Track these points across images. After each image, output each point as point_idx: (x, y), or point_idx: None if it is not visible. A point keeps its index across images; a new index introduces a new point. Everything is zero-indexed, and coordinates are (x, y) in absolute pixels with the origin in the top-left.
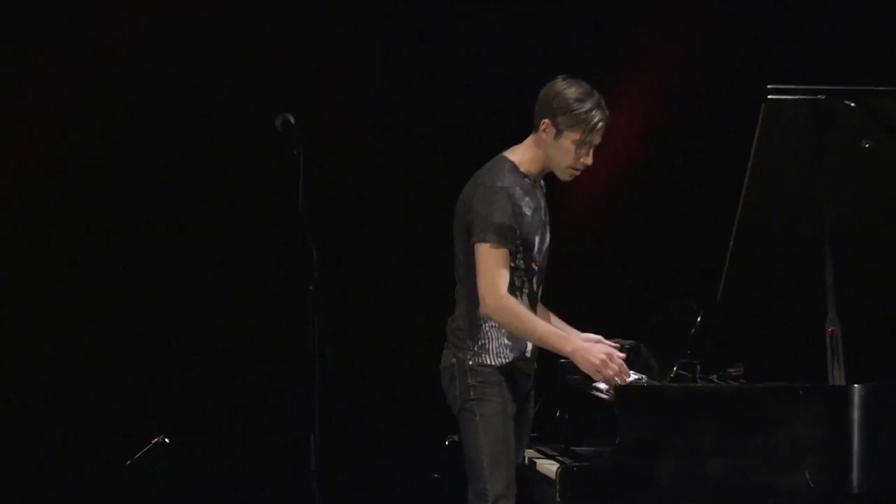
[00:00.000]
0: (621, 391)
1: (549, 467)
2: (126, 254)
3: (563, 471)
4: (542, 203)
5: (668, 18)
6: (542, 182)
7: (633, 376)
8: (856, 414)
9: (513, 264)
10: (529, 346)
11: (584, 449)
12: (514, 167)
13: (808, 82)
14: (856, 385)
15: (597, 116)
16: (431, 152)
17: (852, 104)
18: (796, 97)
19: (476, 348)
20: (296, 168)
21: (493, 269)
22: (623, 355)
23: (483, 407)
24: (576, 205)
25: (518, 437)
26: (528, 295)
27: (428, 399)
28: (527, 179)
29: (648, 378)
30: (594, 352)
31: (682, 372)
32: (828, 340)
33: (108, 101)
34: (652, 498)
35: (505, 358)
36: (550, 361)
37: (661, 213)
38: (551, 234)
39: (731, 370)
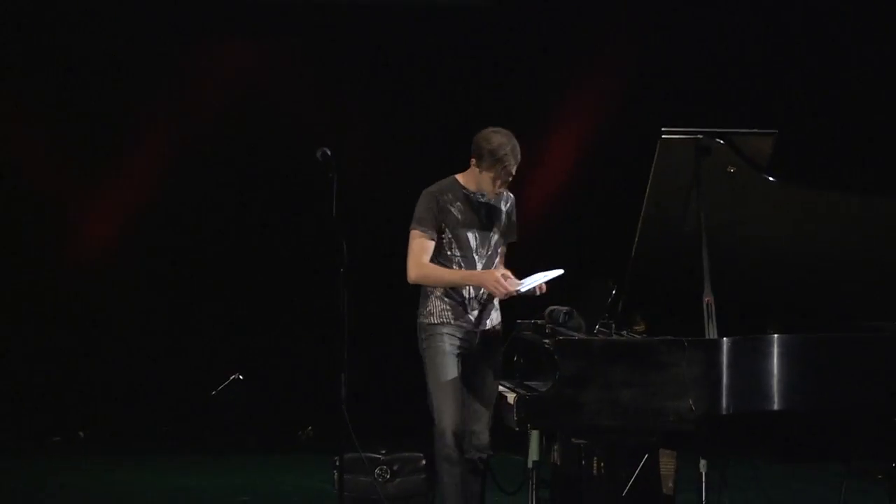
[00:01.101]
0: (559, 343)
1: (509, 397)
2: (224, 244)
3: (519, 399)
4: (483, 211)
5: (586, 78)
6: (497, 201)
7: (522, 288)
8: (724, 359)
9: (449, 253)
10: (472, 308)
11: (533, 383)
12: (454, 182)
13: (690, 125)
14: (724, 338)
15: (508, 162)
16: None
17: (721, 141)
18: (682, 136)
19: (426, 312)
20: (331, 186)
21: (413, 249)
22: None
23: (429, 353)
24: (529, 209)
25: (483, 381)
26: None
27: (416, 343)
28: (464, 191)
29: (579, 334)
30: (490, 277)
31: (601, 329)
32: (704, 307)
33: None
34: (580, 418)
35: (447, 319)
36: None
37: (589, 215)
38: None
39: (636, 328)
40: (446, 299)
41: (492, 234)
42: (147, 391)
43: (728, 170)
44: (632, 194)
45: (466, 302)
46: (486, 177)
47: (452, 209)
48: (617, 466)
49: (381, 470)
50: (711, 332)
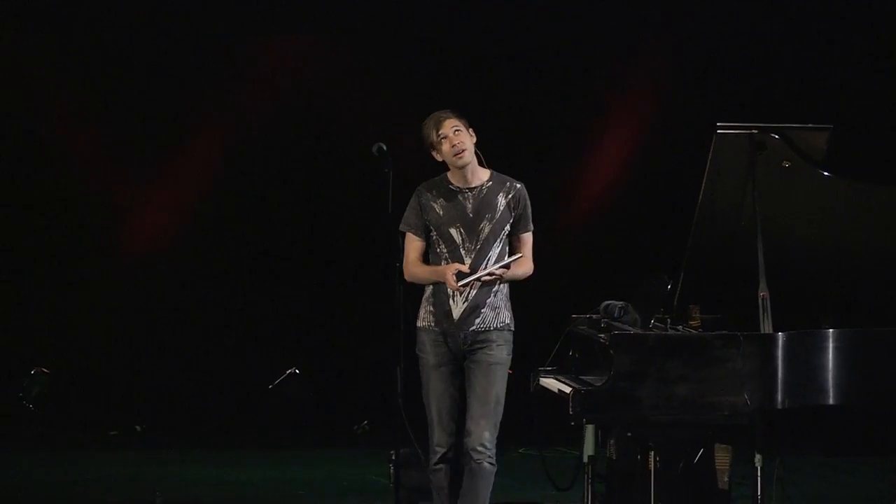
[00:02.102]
0: (615, 338)
1: (564, 390)
2: (281, 238)
3: (574, 393)
4: (470, 205)
5: (643, 71)
6: (486, 192)
7: (461, 281)
8: (779, 353)
9: (438, 249)
10: (455, 310)
11: (589, 378)
12: (442, 178)
13: (745, 120)
14: (779, 333)
15: (433, 128)
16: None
17: (776, 136)
18: (737, 132)
19: (419, 314)
20: (387, 181)
21: (404, 250)
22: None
23: (420, 364)
24: (585, 204)
25: (476, 381)
26: (457, 275)
27: None
28: (450, 187)
29: (634, 329)
30: (447, 270)
31: (657, 324)
32: (759, 301)
33: (265, 132)
34: (635, 412)
35: (429, 322)
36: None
37: (644, 210)
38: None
39: (692, 322)
40: (432, 300)
41: (481, 227)
42: (204, 385)
43: (783, 164)
44: (687, 189)
45: (451, 302)
46: (445, 155)
47: (435, 206)
48: (672, 461)
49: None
50: (767, 327)
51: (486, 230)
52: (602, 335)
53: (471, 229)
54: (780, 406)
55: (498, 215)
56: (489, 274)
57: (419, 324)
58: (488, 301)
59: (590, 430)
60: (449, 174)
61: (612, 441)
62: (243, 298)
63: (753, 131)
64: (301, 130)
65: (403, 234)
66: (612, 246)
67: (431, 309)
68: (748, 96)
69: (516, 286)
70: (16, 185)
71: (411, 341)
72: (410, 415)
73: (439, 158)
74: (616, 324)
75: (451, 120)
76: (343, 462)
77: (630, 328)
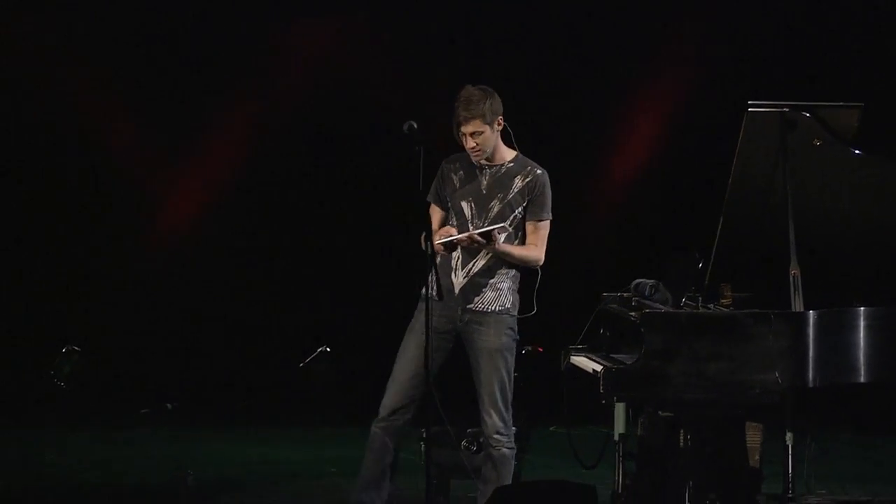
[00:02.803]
0: (646, 316)
1: (596, 368)
2: (311, 218)
3: (605, 371)
4: (486, 182)
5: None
6: (505, 172)
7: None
8: (810, 331)
9: (452, 221)
10: (455, 285)
11: (619, 356)
12: (458, 154)
13: (776, 98)
14: (810, 311)
15: (457, 113)
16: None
17: (807, 114)
18: (768, 110)
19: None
20: (417, 159)
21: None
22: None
23: (409, 325)
24: (617, 183)
25: (477, 364)
26: (467, 250)
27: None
28: (465, 161)
29: (665, 307)
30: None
31: (688, 302)
32: (791, 279)
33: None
34: (665, 390)
35: (431, 293)
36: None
37: (676, 188)
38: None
39: (723, 300)
40: (438, 273)
41: (491, 204)
42: (235, 363)
43: (814, 143)
44: (719, 167)
45: (452, 276)
46: (461, 139)
47: (454, 177)
48: (703, 439)
49: (467, 442)
50: (798, 305)
51: (496, 209)
52: (633, 313)
53: (481, 206)
54: (811, 384)
55: (510, 196)
56: (469, 238)
57: (423, 291)
58: (491, 281)
59: (620, 409)
60: None
61: (642, 419)
62: (275, 275)
63: (784, 110)
64: (332, 109)
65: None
66: (643, 224)
67: (436, 278)
68: (780, 74)
69: (544, 268)
70: (50, 166)
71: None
72: (442, 393)
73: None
74: (647, 302)
75: (475, 122)
76: None
77: (661, 307)
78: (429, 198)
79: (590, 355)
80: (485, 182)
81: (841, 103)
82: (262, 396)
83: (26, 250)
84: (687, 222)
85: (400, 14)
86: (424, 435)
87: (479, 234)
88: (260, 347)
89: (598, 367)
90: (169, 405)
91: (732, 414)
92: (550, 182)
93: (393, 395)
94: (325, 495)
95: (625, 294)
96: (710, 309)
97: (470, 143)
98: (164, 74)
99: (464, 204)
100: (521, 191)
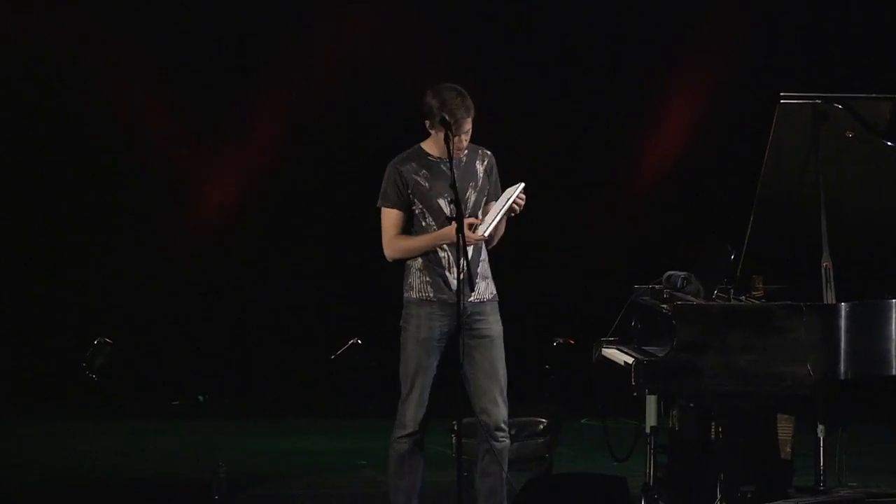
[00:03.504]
0: (678, 308)
1: (627, 361)
2: (343, 208)
3: (636, 363)
4: (449, 173)
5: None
6: (465, 161)
7: (489, 229)
8: (842, 323)
9: (424, 223)
10: (452, 283)
11: (651, 348)
12: (418, 150)
13: (808, 90)
14: (842, 303)
15: (459, 115)
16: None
17: (839, 106)
18: (800, 101)
19: (407, 286)
20: (450, 149)
21: (384, 226)
22: (477, 222)
23: (403, 337)
24: (648, 175)
25: (482, 355)
26: (450, 247)
27: (536, 308)
28: (429, 158)
29: (697, 299)
30: (448, 232)
31: (720, 294)
32: (822, 271)
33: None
34: (697, 382)
35: (427, 295)
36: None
37: (707, 180)
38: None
39: (755, 292)
40: (426, 272)
41: (467, 196)
42: (267, 355)
43: (846, 134)
44: (751, 159)
45: (447, 272)
46: (441, 136)
47: (419, 178)
48: (735, 431)
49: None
50: (829, 297)
51: (472, 199)
52: (665, 306)
53: (471, 196)
54: (843, 377)
55: (479, 183)
56: (510, 210)
57: (413, 296)
58: (479, 271)
59: (652, 401)
60: (425, 146)
61: (674, 412)
62: (307, 267)
63: (817, 101)
64: (365, 99)
65: (379, 211)
66: (675, 216)
67: (427, 279)
68: (812, 66)
69: (575, 260)
70: (84, 155)
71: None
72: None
73: (432, 131)
74: (679, 294)
75: (469, 122)
76: None
77: (693, 299)
78: (383, 204)
79: (621, 347)
80: (448, 173)
81: (873, 95)
82: (293, 388)
83: (60, 241)
84: (718, 214)
85: (435, 5)
86: (455, 427)
87: (512, 202)
88: (292, 339)
89: (630, 360)
90: (201, 397)
91: (764, 406)
92: (586, 176)
93: (418, 408)
94: (357, 487)
95: (656, 286)
96: (741, 301)
97: (464, 140)
98: (199, 63)
99: (441, 202)
100: (485, 175)
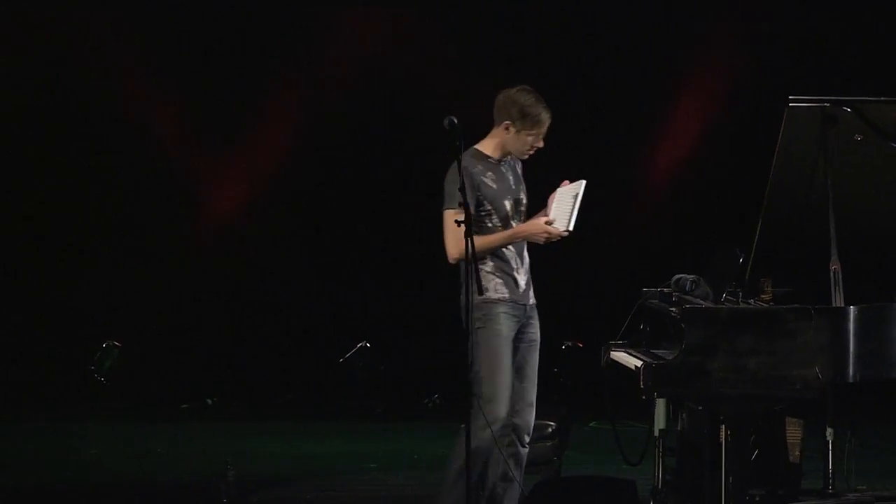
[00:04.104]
0: (686, 311)
1: (636, 364)
2: (351, 211)
3: (645, 366)
4: (510, 176)
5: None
6: (512, 162)
7: (571, 225)
8: (851, 326)
9: (490, 225)
10: (521, 281)
11: (659, 351)
12: (477, 152)
13: (817, 94)
14: (851, 306)
15: (545, 118)
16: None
17: (848, 109)
18: (808, 105)
19: (487, 289)
20: (458, 153)
21: (450, 227)
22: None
23: (485, 335)
24: (658, 179)
25: (530, 359)
26: (521, 245)
27: (545, 311)
28: (490, 161)
29: (706, 302)
30: (536, 227)
31: (729, 297)
32: (831, 274)
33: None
34: (706, 386)
35: (503, 296)
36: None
37: (716, 183)
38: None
39: (763, 296)
40: (498, 273)
41: (520, 197)
42: (275, 358)
43: (855, 138)
44: (760, 162)
45: (515, 273)
46: (523, 137)
47: (486, 180)
48: (743, 434)
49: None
50: (838, 300)
51: (524, 200)
52: (673, 309)
53: (517, 200)
54: (851, 380)
55: (523, 184)
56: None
57: (492, 296)
58: (530, 275)
59: (661, 404)
60: (482, 148)
61: (682, 415)
62: (315, 271)
63: (825, 104)
64: (373, 102)
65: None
66: (683, 220)
67: (500, 280)
68: (821, 70)
69: (585, 263)
70: (91, 158)
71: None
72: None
73: (506, 133)
74: (687, 297)
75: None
76: (414, 435)
77: (702, 302)
78: (452, 205)
79: (630, 351)
80: (511, 177)
81: (882, 98)
82: (302, 392)
83: (68, 243)
84: (727, 217)
85: (446, 6)
86: (464, 430)
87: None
88: (300, 342)
89: (639, 363)
90: (209, 400)
91: (773, 409)
92: (596, 179)
93: (506, 401)
94: (365, 490)
95: (665, 289)
96: (750, 304)
97: (539, 144)
98: (207, 67)
99: (506, 203)
100: (522, 176)
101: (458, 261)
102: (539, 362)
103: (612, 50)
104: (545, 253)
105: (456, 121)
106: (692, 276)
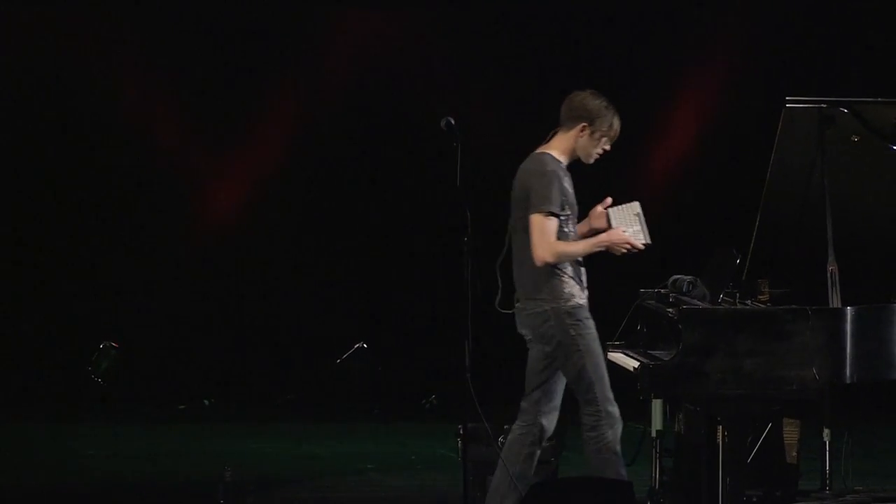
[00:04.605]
0: (684, 312)
1: (633, 365)
2: (349, 211)
3: (643, 367)
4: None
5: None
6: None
7: (647, 237)
8: (848, 327)
9: (566, 230)
10: (586, 290)
11: (657, 352)
12: (553, 158)
13: (815, 94)
14: (848, 307)
15: (616, 120)
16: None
17: (845, 110)
18: (806, 105)
19: (565, 295)
20: (455, 154)
21: (547, 230)
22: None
23: (585, 340)
24: (655, 180)
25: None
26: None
27: None
28: (563, 165)
29: (703, 303)
30: (616, 236)
31: (726, 298)
32: (828, 275)
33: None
34: (703, 386)
35: (583, 301)
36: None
37: (713, 184)
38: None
39: (760, 297)
40: (575, 279)
41: (573, 201)
42: (272, 359)
43: (852, 139)
44: (757, 163)
45: (582, 279)
46: (595, 140)
47: (567, 186)
48: (741, 435)
49: (504, 438)
50: (835, 301)
51: (576, 209)
52: (671, 310)
53: (576, 208)
54: (848, 380)
55: None
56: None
57: (578, 301)
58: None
59: (658, 405)
60: (554, 153)
61: (679, 416)
62: (313, 271)
63: (823, 105)
64: (371, 103)
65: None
66: (680, 220)
67: (578, 285)
68: (819, 70)
69: (587, 261)
70: (90, 158)
71: (479, 315)
72: (479, 389)
73: (580, 136)
74: (685, 298)
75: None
76: (411, 436)
77: (699, 303)
78: (552, 210)
79: (627, 352)
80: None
81: (879, 99)
82: (299, 393)
83: (66, 244)
84: (724, 218)
85: (445, 6)
86: (461, 431)
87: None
88: (298, 343)
89: (636, 364)
90: (206, 401)
91: (770, 410)
92: (592, 180)
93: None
94: (363, 491)
95: (662, 290)
96: (747, 305)
97: (607, 147)
98: (208, 67)
99: (575, 209)
100: None
101: (548, 265)
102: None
103: (611, 50)
104: None
105: (453, 121)
106: (689, 277)
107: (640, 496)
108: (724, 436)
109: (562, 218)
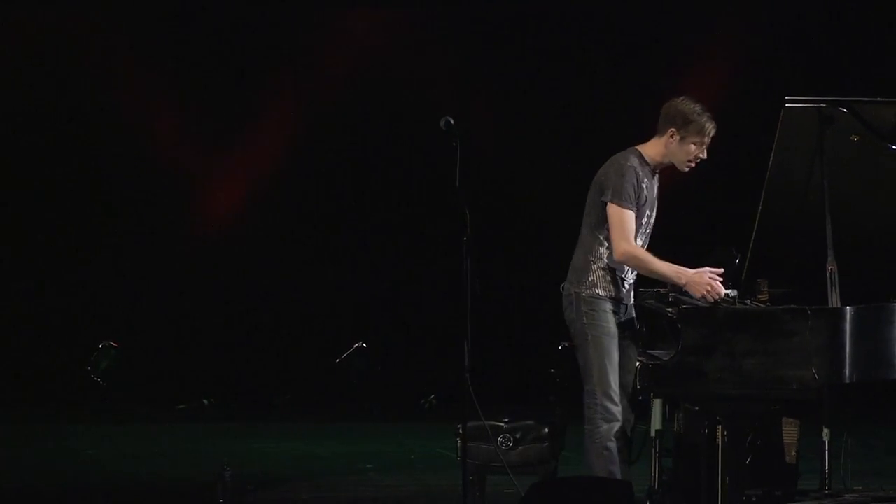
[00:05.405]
0: (683, 312)
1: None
2: (348, 212)
3: (642, 367)
4: (656, 188)
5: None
6: (658, 177)
7: (728, 292)
8: (847, 327)
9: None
10: (627, 283)
11: (656, 352)
12: (640, 155)
13: (814, 93)
14: (847, 307)
15: (710, 127)
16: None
17: (845, 110)
18: (805, 105)
19: (588, 283)
20: (454, 154)
21: (625, 225)
22: (719, 278)
23: (594, 331)
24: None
25: (630, 356)
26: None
27: (546, 315)
28: (647, 167)
29: (702, 303)
30: (702, 280)
31: (725, 298)
32: (828, 275)
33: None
34: (703, 386)
35: (611, 293)
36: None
37: (713, 184)
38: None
39: (760, 296)
40: (609, 271)
41: (654, 213)
42: (272, 359)
43: (851, 138)
44: (756, 163)
45: (624, 276)
46: (687, 146)
47: (645, 184)
48: (740, 435)
49: (504, 438)
50: (835, 301)
51: (653, 218)
52: (670, 309)
53: (650, 216)
54: (848, 380)
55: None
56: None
57: (598, 292)
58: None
59: (657, 405)
60: (648, 152)
61: (679, 415)
62: (311, 271)
63: (822, 105)
64: (370, 103)
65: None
66: (680, 220)
67: (610, 278)
68: (818, 70)
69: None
70: (88, 158)
71: (478, 314)
72: (478, 388)
73: (670, 141)
74: (684, 298)
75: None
76: (410, 436)
77: (698, 302)
78: (626, 203)
79: None
80: (656, 190)
81: (879, 99)
82: (298, 392)
83: (65, 244)
84: (724, 217)
85: (445, 7)
86: (461, 430)
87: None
88: (297, 343)
89: (636, 364)
90: (206, 401)
91: (769, 409)
92: (586, 177)
93: (621, 400)
94: (362, 491)
95: (662, 290)
96: (747, 305)
97: (702, 154)
98: (205, 68)
99: (649, 212)
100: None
101: (622, 260)
102: (536, 363)
103: (611, 51)
104: (543, 254)
105: (453, 121)
106: None
107: (639, 496)
108: (723, 435)
109: (633, 211)
